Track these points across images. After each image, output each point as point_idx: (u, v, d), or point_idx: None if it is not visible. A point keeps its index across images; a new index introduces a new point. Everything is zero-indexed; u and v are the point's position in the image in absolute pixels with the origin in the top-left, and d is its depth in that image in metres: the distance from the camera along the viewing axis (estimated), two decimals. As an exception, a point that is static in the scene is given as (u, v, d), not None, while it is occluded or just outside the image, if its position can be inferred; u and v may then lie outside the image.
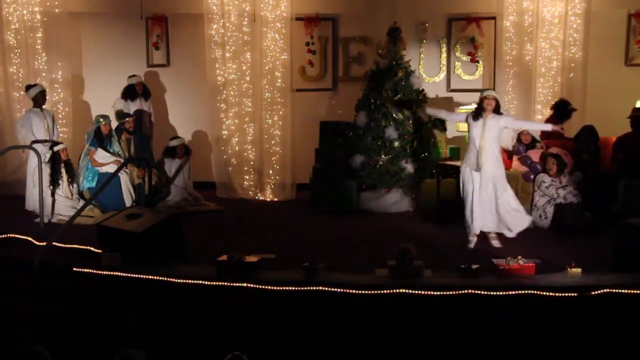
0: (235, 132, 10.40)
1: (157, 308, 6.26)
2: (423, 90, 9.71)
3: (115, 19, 10.94)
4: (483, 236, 7.50)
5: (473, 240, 7.49)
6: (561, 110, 9.45)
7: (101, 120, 9.28)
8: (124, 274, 6.47)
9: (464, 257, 6.89)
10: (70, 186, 9.03)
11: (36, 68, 10.47)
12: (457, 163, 9.38)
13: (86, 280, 6.54)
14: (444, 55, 10.81)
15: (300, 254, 7.15)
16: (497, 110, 7.33)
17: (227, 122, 10.39)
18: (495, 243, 7.48)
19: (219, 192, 10.48)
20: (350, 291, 6.09)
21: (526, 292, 5.97)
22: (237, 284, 6.22)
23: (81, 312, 6.32)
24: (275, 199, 10.32)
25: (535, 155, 8.83)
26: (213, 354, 4.18)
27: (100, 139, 9.25)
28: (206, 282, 6.29)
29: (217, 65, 10.33)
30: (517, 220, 7.44)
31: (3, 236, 7.75)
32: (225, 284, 6.26)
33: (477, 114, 7.36)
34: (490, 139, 7.31)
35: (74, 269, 6.60)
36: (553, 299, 5.94)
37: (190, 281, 6.31)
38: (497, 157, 7.39)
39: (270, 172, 10.35)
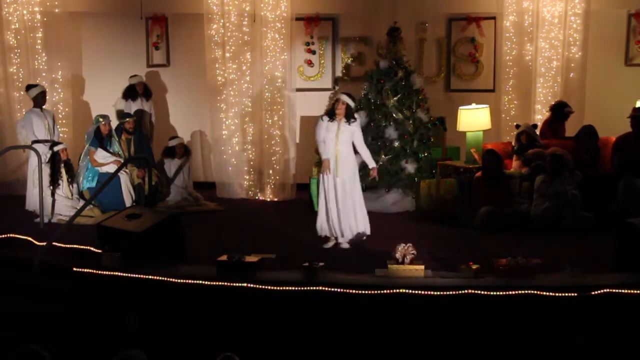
0: (235, 132, 10.39)
1: (157, 308, 6.26)
2: (423, 90, 9.71)
3: (115, 19, 10.93)
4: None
5: (331, 242, 7.62)
6: (558, 112, 9.48)
7: (101, 120, 9.28)
8: (124, 274, 6.47)
9: (463, 257, 6.89)
10: (70, 186, 9.03)
11: (36, 68, 10.46)
12: (457, 163, 9.41)
13: (86, 280, 6.54)
14: (444, 55, 10.80)
15: (300, 254, 7.15)
16: (349, 116, 7.44)
17: (227, 122, 10.39)
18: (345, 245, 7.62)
19: (219, 192, 10.47)
20: (350, 291, 6.09)
21: (526, 292, 5.97)
22: (237, 284, 6.22)
23: (81, 312, 6.32)
24: (275, 199, 10.31)
25: (534, 155, 8.83)
26: (212, 354, 4.17)
27: (100, 139, 9.25)
28: (206, 282, 6.29)
29: (217, 65, 10.32)
30: (355, 226, 7.55)
31: (3, 236, 7.75)
32: (225, 284, 6.26)
33: (331, 115, 7.44)
34: (344, 142, 7.43)
35: (74, 269, 6.60)
36: (553, 299, 5.94)
37: (190, 281, 6.31)
38: (352, 161, 7.51)
39: (270, 172, 10.35)
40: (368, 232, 7.68)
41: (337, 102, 7.47)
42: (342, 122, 7.44)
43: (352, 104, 7.52)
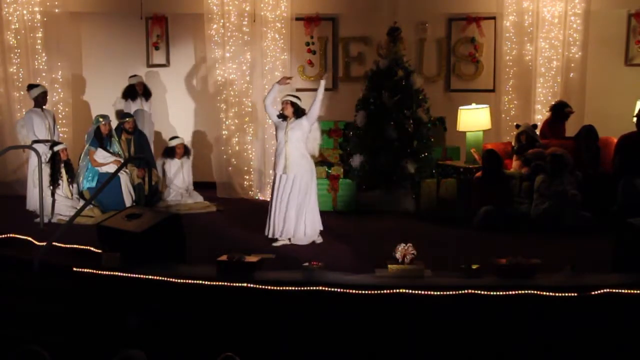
0: (235, 132, 10.40)
1: (157, 308, 6.26)
2: (423, 90, 9.70)
3: (115, 19, 10.93)
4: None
5: (282, 241, 7.70)
6: (558, 112, 9.49)
7: (101, 120, 9.28)
8: (124, 274, 6.47)
9: (464, 257, 6.89)
10: (70, 186, 9.04)
11: (36, 68, 10.46)
12: (457, 163, 9.41)
13: (86, 280, 6.54)
14: (444, 55, 10.79)
15: (300, 254, 7.15)
16: (298, 114, 7.57)
17: (227, 122, 10.39)
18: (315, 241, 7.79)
19: (219, 192, 10.47)
20: (350, 291, 6.09)
21: (526, 292, 5.97)
22: (237, 284, 6.22)
23: (81, 312, 6.32)
24: (275, 199, 10.30)
25: (534, 155, 8.83)
26: (212, 354, 4.18)
27: (100, 139, 9.25)
28: (206, 282, 6.29)
29: (217, 65, 10.33)
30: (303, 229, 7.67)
31: (3, 236, 7.75)
32: (225, 284, 6.26)
33: (282, 116, 7.63)
34: (294, 141, 7.53)
35: (74, 269, 6.59)
36: (553, 299, 5.94)
37: (190, 281, 6.31)
38: (305, 161, 7.61)
39: (270, 172, 10.33)
40: (316, 238, 7.76)
41: (282, 104, 7.66)
42: (290, 120, 7.60)
43: (296, 100, 7.65)
